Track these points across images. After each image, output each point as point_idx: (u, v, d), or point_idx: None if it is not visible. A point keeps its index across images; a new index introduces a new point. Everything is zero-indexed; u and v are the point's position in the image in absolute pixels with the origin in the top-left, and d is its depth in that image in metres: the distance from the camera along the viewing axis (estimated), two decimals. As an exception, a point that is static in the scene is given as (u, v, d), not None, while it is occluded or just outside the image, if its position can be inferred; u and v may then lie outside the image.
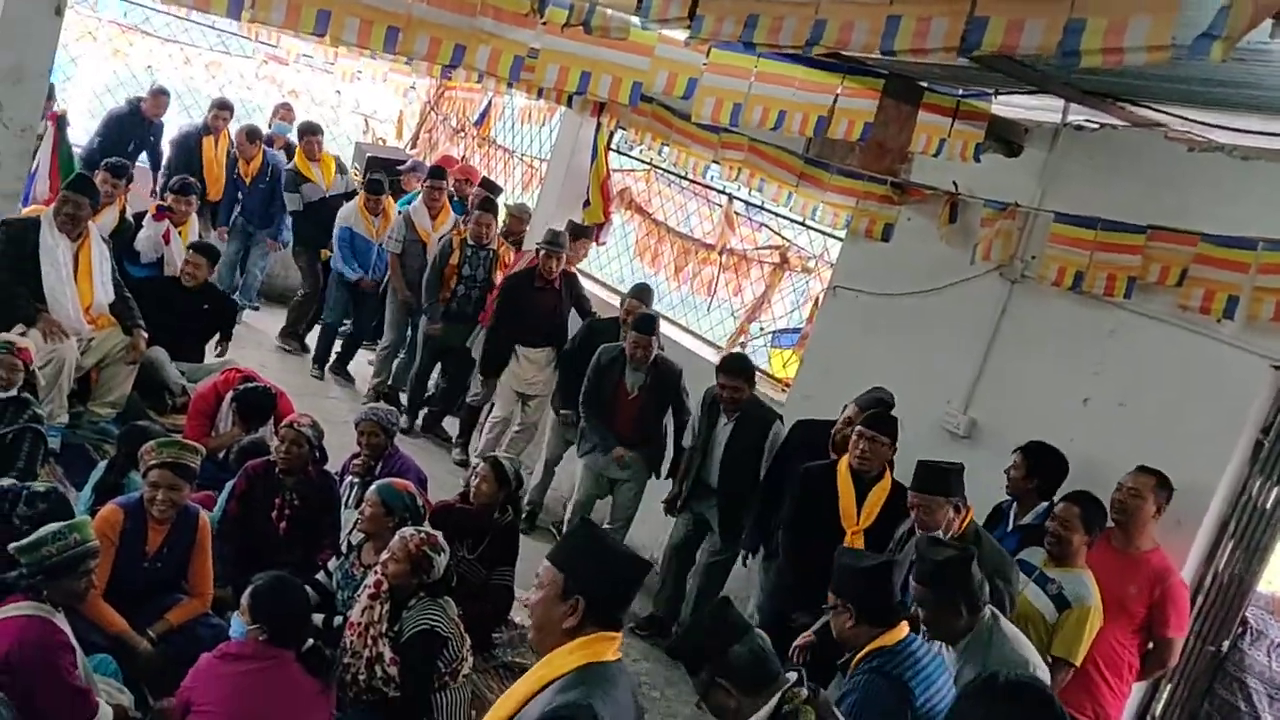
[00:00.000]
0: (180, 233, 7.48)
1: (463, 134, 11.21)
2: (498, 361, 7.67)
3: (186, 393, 6.77)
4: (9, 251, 6.03)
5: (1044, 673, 3.84)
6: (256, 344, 8.96)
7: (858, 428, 5.13)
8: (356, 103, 12.02)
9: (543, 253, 7.46)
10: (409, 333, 8.64)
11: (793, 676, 3.02)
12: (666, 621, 6.48)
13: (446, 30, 4.05)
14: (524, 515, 7.21)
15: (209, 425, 6.19)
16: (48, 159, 7.57)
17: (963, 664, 3.76)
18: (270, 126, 9.96)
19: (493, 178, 10.15)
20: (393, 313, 8.60)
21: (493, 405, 7.88)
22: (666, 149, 7.69)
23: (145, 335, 6.50)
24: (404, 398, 8.50)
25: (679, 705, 5.65)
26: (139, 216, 7.49)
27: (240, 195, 9.26)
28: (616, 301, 7.62)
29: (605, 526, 6.74)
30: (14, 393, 5.13)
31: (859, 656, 3.49)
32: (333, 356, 9.08)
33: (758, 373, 7.22)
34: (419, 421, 8.42)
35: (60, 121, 7.68)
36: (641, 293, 7.24)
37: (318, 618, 4.59)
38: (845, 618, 3.52)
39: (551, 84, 4.39)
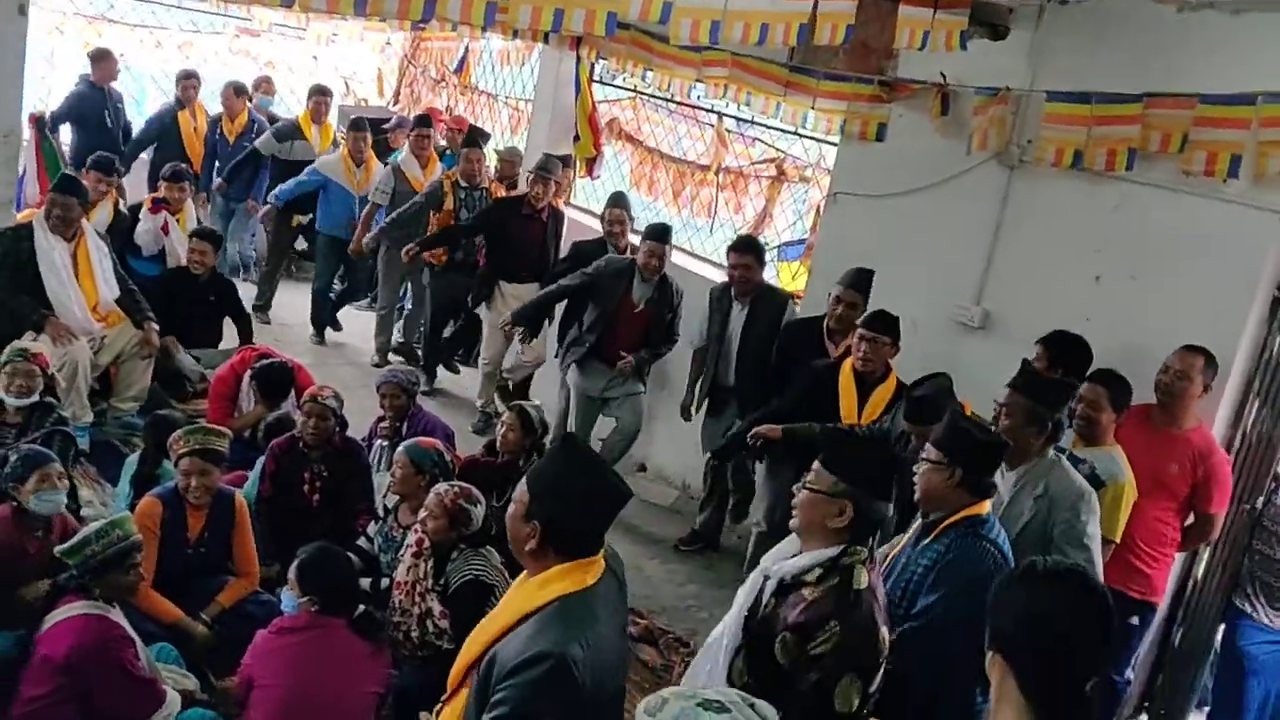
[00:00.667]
0: (178, 220, 7.44)
1: (444, 84, 11.09)
2: (484, 286, 7.63)
3: (205, 378, 6.82)
4: (6, 261, 6.04)
5: (1094, 507, 3.93)
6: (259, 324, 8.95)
7: (859, 330, 5.12)
8: (335, 66, 11.88)
9: (532, 178, 7.39)
10: (410, 287, 8.61)
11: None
12: (709, 539, 6.57)
13: (414, -16, 3.99)
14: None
15: (231, 407, 6.23)
16: (33, 162, 7.54)
17: (1019, 488, 3.87)
18: (251, 101, 9.86)
19: (479, 124, 10.05)
20: (386, 271, 8.48)
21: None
22: (650, 74, 7.60)
23: (156, 327, 6.53)
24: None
25: (729, 625, 5.73)
26: (134, 209, 7.47)
27: (218, 162, 9.11)
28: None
29: (615, 437, 6.75)
30: (36, 398, 5.17)
31: (951, 520, 3.44)
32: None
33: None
34: (437, 380, 8.42)
35: (40, 123, 7.64)
36: (620, 199, 7.18)
37: (364, 582, 4.68)
38: (946, 476, 3.42)
39: (526, 25, 4.30)
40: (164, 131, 9.03)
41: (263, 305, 9.14)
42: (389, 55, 11.82)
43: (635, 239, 6.82)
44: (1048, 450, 3.93)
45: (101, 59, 8.93)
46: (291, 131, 9.04)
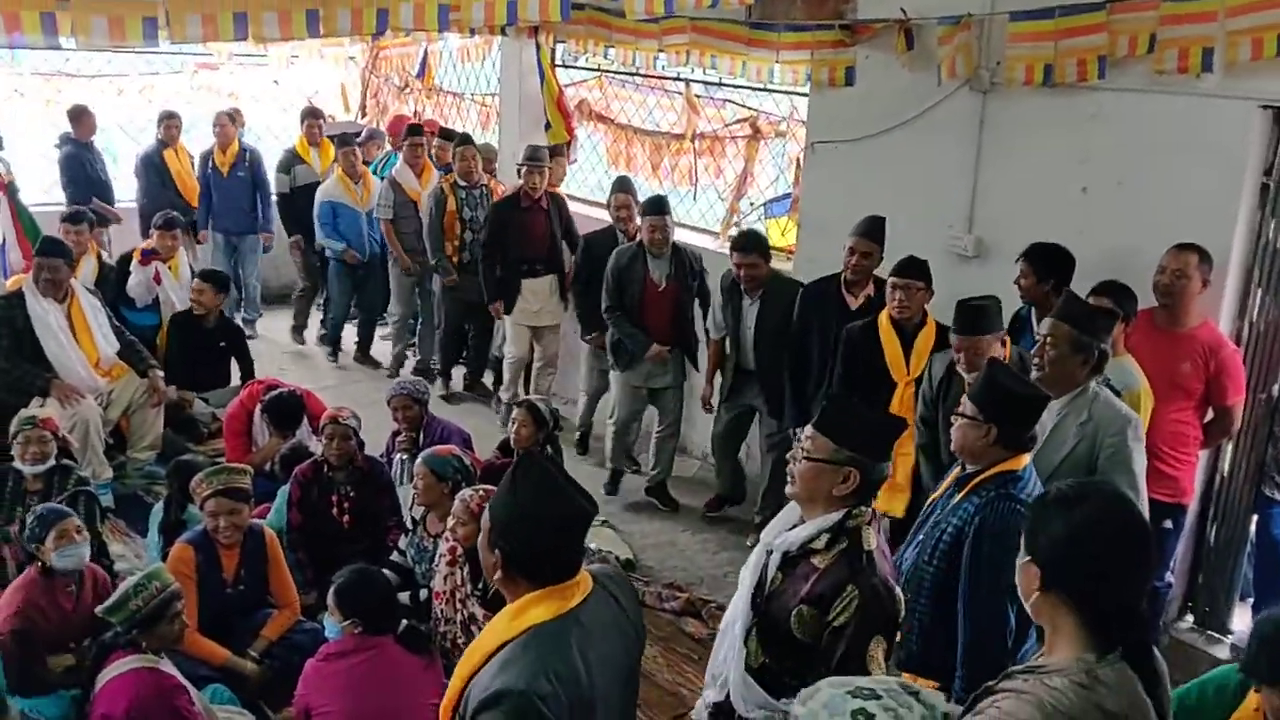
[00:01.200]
0: (170, 267, 7.42)
1: (408, 90, 11.04)
2: (500, 290, 7.44)
3: (216, 418, 6.86)
4: (3, 332, 6.07)
5: (1141, 435, 3.89)
6: (270, 353, 8.97)
7: (890, 279, 5.07)
8: (298, 88, 11.82)
9: (525, 170, 7.29)
10: (419, 300, 8.56)
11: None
12: (732, 498, 6.62)
13: (365, -1, 3.98)
14: (576, 439, 7.29)
15: (248, 442, 6.25)
16: (10, 229, 7.52)
17: (1062, 416, 3.83)
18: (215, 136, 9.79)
19: (448, 125, 10.02)
20: (398, 283, 8.48)
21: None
22: (612, 51, 7.56)
23: (160, 373, 6.56)
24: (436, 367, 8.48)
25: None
26: (124, 260, 7.45)
27: (213, 196, 9.00)
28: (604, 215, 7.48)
29: (655, 433, 6.77)
30: (53, 463, 5.19)
31: (985, 476, 3.37)
32: (352, 347, 9.08)
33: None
34: (454, 384, 8.40)
35: (10, 189, 7.62)
36: (625, 184, 7.10)
37: (404, 596, 4.71)
38: (982, 433, 3.35)
39: (480, 22, 4.30)
40: (158, 176, 8.99)
41: (300, 326, 9.28)
42: (352, 69, 11.75)
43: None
44: (1091, 380, 3.88)
45: (81, 115, 8.92)
46: (290, 160, 9.00)
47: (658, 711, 4.64)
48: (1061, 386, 3.85)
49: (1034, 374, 3.87)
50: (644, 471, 7.00)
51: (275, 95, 11.58)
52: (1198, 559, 5.22)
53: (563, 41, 8.18)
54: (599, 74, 8.54)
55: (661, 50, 6.87)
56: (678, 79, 7.87)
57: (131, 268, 7.32)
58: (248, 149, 9.22)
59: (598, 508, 2.48)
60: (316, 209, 8.57)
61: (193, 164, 9.18)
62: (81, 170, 8.82)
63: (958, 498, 3.44)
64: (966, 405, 3.42)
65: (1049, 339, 3.88)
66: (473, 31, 7.04)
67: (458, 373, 8.56)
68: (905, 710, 1.78)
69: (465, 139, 8.10)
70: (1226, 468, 5.08)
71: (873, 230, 5.43)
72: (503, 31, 7.54)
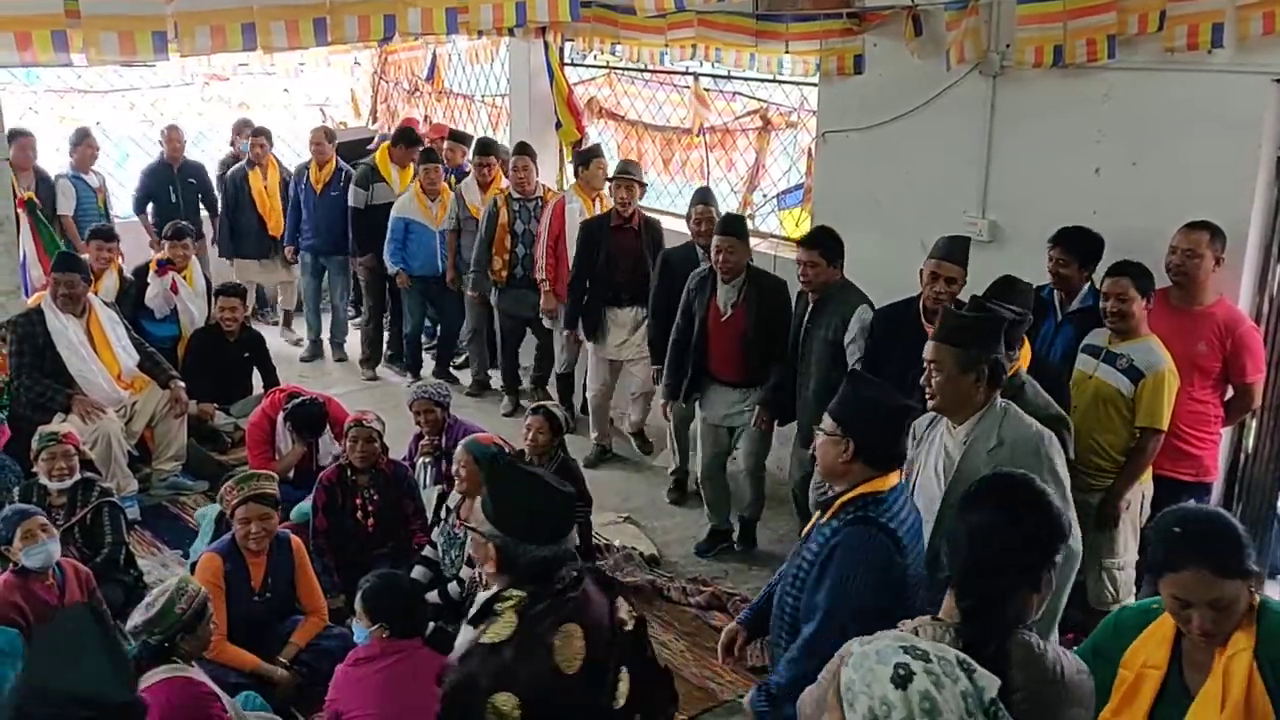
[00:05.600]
0: (185, 277, 7.46)
1: (418, 94, 11.07)
2: (589, 316, 6.93)
3: (239, 427, 6.91)
4: (25, 349, 6.11)
5: (1057, 445, 3.46)
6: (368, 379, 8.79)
7: (974, 298, 4.43)
8: (308, 96, 11.87)
9: (614, 185, 6.80)
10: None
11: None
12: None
13: (372, 6, 3.99)
14: (672, 486, 6.74)
15: (271, 450, 6.27)
16: (31, 246, 7.57)
17: (969, 443, 3.44)
18: (233, 145, 9.80)
19: (459, 127, 10.03)
20: (470, 302, 8.10)
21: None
22: (619, 47, 7.55)
23: (182, 384, 6.60)
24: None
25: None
26: (139, 272, 7.51)
27: (305, 214, 8.67)
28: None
29: (741, 473, 6.08)
30: (78, 477, 5.24)
31: (846, 498, 3.05)
32: (432, 365, 8.77)
33: (780, 240, 7.16)
34: (521, 400, 7.98)
35: (30, 206, 7.67)
36: (705, 195, 6.41)
37: (431, 596, 4.73)
38: (841, 450, 3.03)
39: (489, 25, 4.31)
40: (239, 196, 8.89)
41: (371, 360, 8.84)
42: (359, 75, 11.78)
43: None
44: (994, 398, 3.45)
45: (167, 134, 8.99)
46: (369, 176, 8.53)
47: (686, 706, 4.64)
48: (960, 411, 3.46)
49: (929, 402, 3.50)
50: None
51: (286, 103, 11.62)
52: (1224, 538, 5.18)
53: (570, 40, 8.19)
54: (608, 71, 8.54)
55: (668, 45, 6.86)
56: (686, 73, 7.87)
57: (150, 278, 7.37)
58: (342, 167, 8.77)
59: None
60: (391, 223, 8.16)
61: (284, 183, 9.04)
62: (146, 188, 8.92)
63: (821, 521, 3.14)
64: (825, 420, 3.12)
65: (931, 364, 3.46)
66: (481, 33, 7.02)
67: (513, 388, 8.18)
68: (949, 680, 1.69)
69: (522, 147, 7.59)
70: (1251, 445, 5.06)
71: (954, 251, 4.74)
72: (510, 32, 7.56)
